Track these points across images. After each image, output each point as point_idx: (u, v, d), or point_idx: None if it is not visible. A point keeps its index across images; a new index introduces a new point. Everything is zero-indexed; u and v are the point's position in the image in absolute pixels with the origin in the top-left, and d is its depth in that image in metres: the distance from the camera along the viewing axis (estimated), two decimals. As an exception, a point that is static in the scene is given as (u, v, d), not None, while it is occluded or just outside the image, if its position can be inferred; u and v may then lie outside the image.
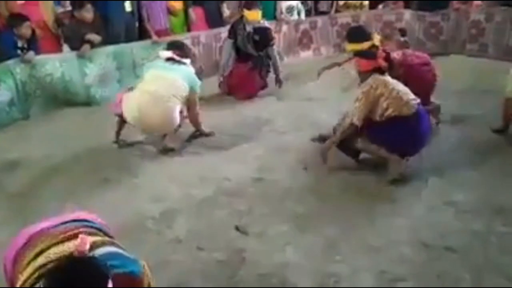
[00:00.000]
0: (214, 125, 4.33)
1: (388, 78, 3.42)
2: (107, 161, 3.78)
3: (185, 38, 5.75)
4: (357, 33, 4.29)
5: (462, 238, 2.65)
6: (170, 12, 5.81)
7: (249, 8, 5.17)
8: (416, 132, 3.33)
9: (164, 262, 2.53)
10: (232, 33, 5.28)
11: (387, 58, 3.45)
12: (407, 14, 6.80)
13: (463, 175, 3.35)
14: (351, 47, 4.12)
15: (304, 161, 3.66)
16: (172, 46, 4.09)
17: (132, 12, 5.50)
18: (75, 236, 1.39)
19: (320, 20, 6.86)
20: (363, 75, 3.44)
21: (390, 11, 6.91)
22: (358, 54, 3.60)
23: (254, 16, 5.18)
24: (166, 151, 3.88)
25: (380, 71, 3.42)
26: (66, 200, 3.16)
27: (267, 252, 2.60)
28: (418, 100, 3.40)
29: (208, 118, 4.30)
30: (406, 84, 3.46)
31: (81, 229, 1.44)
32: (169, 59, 3.88)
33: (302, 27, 6.71)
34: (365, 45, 4.01)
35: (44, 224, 1.46)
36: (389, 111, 3.28)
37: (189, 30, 6.02)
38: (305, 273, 2.42)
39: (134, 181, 3.45)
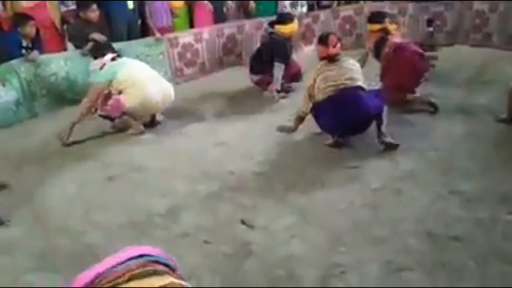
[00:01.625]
0: (220, 121, 4.37)
1: (325, 64, 3.77)
2: (113, 158, 3.82)
3: (188, 35, 5.80)
4: (373, 15, 4.88)
5: (466, 227, 2.66)
6: (172, 12, 5.83)
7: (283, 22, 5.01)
8: (339, 113, 3.56)
9: (172, 256, 2.55)
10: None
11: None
12: (410, 7, 6.77)
13: (467, 164, 3.36)
14: (368, 27, 4.82)
15: (309, 155, 3.68)
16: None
17: (134, 10, 5.52)
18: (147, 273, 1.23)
19: (322, 14, 6.85)
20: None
21: (393, 4, 6.88)
22: (319, 41, 3.95)
23: (291, 28, 5.04)
24: (156, 124, 4.48)
25: (330, 58, 3.76)
26: (72, 198, 3.21)
27: (272, 245, 2.62)
28: (346, 83, 3.64)
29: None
30: (397, 66, 4.13)
31: (150, 266, 1.29)
32: (113, 59, 4.33)
33: (304, 21, 6.70)
34: (376, 26, 4.63)
35: (111, 262, 1.30)
36: (319, 96, 3.72)
37: (192, 26, 6.04)
38: (311, 265, 2.44)
39: (139, 178, 3.48)
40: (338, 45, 3.87)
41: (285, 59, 5.02)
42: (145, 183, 3.40)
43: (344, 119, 3.59)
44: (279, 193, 3.17)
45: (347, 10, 6.92)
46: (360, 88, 3.69)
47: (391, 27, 4.64)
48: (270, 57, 4.99)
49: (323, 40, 3.89)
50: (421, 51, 4.44)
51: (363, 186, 3.17)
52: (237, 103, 5.01)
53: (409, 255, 2.47)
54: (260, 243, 2.65)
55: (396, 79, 4.26)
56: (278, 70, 4.95)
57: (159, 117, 4.52)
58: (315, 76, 3.78)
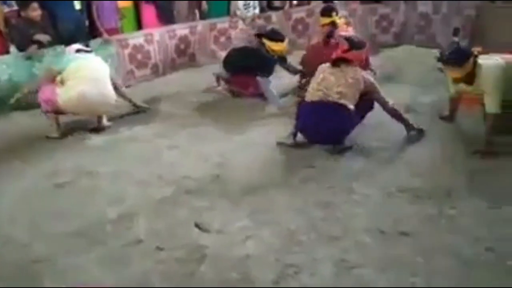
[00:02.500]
0: (174, 124, 4.30)
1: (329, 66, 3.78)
2: (60, 164, 3.68)
3: (138, 36, 5.68)
4: (324, 9, 5.15)
5: (415, 223, 2.75)
6: (120, 13, 5.70)
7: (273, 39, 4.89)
8: (306, 121, 3.71)
9: (124, 263, 2.50)
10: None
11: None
12: (360, 8, 6.95)
13: (416, 162, 3.48)
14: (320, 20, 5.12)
15: (266, 155, 3.70)
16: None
17: (81, 10, 5.36)
18: None
19: (274, 15, 6.90)
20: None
21: (343, 5, 7.02)
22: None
23: (281, 48, 4.94)
24: (103, 129, 4.33)
25: (334, 62, 3.79)
26: (16, 208, 3.06)
27: (227, 247, 2.61)
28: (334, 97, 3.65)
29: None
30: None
31: None
32: (79, 50, 4.33)
33: (257, 23, 6.72)
34: (326, 20, 4.96)
35: None
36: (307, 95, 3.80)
37: (140, 27, 5.92)
38: (266, 266, 2.45)
39: (89, 184, 3.37)
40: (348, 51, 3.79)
41: (269, 76, 4.93)
42: (95, 189, 3.29)
43: (312, 130, 3.74)
44: (235, 195, 3.15)
45: (299, 12, 7.00)
46: (340, 107, 3.62)
47: (340, 21, 4.94)
48: (252, 67, 4.86)
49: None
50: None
51: (317, 186, 3.21)
52: (190, 105, 4.95)
53: (361, 252, 2.53)
54: (215, 246, 2.63)
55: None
56: (266, 85, 4.83)
57: (106, 123, 4.39)
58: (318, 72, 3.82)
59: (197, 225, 2.83)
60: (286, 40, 5.02)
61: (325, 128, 3.63)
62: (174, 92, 5.34)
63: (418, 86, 5.08)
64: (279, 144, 3.84)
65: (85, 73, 4.14)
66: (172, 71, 6.10)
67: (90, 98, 4.08)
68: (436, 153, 3.60)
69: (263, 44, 4.91)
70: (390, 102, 3.83)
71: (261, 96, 4.90)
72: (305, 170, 3.45)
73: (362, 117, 3.87)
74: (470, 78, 3.50)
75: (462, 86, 3.66)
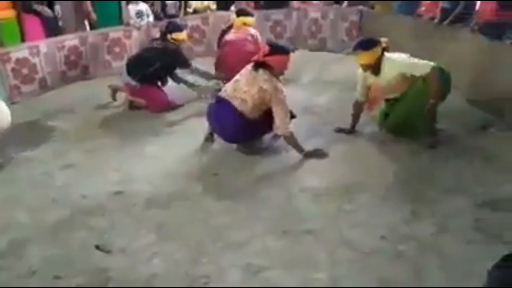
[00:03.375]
0: (67, 142, 4.04)
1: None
2: None
3: (21, 49, 5.27)
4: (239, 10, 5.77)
5: (317, 220, 2.87)
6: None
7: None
8: (209, 115, 3.81)
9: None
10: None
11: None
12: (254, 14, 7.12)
13: (314, 161, 3.63)
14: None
15: (167, 167, 3.62)
16: None
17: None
18: None
19: (170, 23, 6.82)
20: None
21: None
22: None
23: (183, 36, 4.96)
24: None
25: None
26: None
27: (133, 267, 2.50)
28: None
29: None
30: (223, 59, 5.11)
31: None
32: None
33: (153, 31, 6.58)
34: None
35: None
36: None
37: (23, 40, 5.50)
38: (175, 281, 2.39)
39: (-28, 214, 3.04)
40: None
41: (188, 66, 4.91)
42: (-22, 219, 2.98)
43: (214, 127, 3.85)
44: (138, 211, 3.04)
45: (195, 20, 6.99)
46: (236, 112, 3.59)
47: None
48: (168, 63, 4.79)
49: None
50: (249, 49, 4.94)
51: (220, 193, 3.21)
52: (84, 120, 4.70)
53: (267, 254, 2.58)
54: (119, 267, 2.50)
55: (226, 71, 4.78)
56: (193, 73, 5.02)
57: None
58: None
59: (98, 247, 2.67)
60: (186, 30, 5.16)
61: (220, 127, 3.74)
62: (66, 107, 5.03)
63: (312, 88, 5.32)
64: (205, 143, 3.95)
65: None
66: (63, 85, 5.75)
67: None
68: (332, 152, 3.78)
69: (167, 40, 4.84)
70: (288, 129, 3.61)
71: (167, 109, 4.83)
72: (208, 178, 3.43)
73: (264, 133, 3.82)
74: (377, 67, 3.74)
75: (371, 79, 3.85)
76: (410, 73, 3.64)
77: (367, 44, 3.73)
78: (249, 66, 3.67)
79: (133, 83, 4.73)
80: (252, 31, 5.40)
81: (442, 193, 3.09)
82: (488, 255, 2.46)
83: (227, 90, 3.72)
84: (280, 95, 3.52)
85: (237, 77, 3.73)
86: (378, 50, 3.72)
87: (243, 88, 3.59)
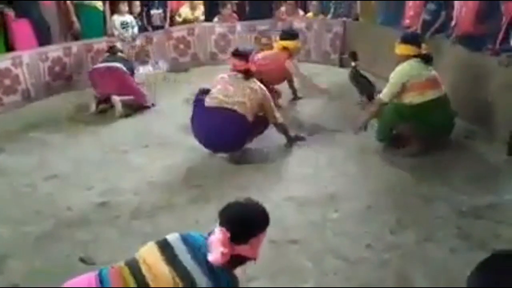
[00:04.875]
0: (50, 152, 3.99)
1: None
2: None
3: (4, 60, 5.22)
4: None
5: (302, 229, 2.88)
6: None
7: None
8: (201, 126, 3.76)
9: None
10: None
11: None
12: (239, 26, 7.18)
13: (298, 171, 3.65)
14: None
15: (152, 178, 3.60)
16: None
17: None
18: None
19: (155, 35, 6.82)
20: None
21: (222, 23, 7.20)
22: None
23: None
24: None
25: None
26: None
27: (117, 279, 2.47)
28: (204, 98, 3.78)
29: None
30: None
31: None
32: None
33: (138, 43, 6.58)
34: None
35: None
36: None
37: (9, 49, 5.43)
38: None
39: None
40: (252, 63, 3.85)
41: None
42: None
43: (205, 137, 3.76)
44: (124, 222, 3.02)
45: (180, 31, 7.01)
46: (237, 116, 3.64)
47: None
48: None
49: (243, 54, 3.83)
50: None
51: (205, 203, 3.20)
52: (68, 130, 4.66)
53: (254, 264, 2.56)
54: (104, 280, 2.47)
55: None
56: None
57: None
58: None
59: (82, 260, 2.64)
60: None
61: (216, 135, 3.65)
62: (50, 118, 4.99)
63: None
64: None
65: None
66: (47, 96, 5.70)
67: None
68: (317, 162, 3.80)
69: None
70: (280, 119, 3.95)
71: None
72: (192, 189, 3.42)
73: (260, 132, 3.95)
74: None
75: None
76: None
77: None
78: (232, 74, 3.82)
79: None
80: (290, 65, 4.93)
81: (425, 202, 3.14)
82: (472, 263, 2.50)
83: (218, 97, 3.69)
84: (266, 93, 3.85)
85: (219, 86, 3.75)
86: None
87: (237, 93, 3.67)
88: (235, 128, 3.64)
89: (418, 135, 3.75)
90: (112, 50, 5.45)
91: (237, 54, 3.87)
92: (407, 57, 3.77)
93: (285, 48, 4.94)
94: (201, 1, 7.40)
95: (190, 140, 3.97)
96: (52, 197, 3.35)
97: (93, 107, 5.09)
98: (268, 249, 2.68)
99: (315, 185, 3.42)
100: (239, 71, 3.79)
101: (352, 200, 3.19)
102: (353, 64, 5.07)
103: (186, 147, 4.03)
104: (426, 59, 3.79)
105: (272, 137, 4.18)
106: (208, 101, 3.73)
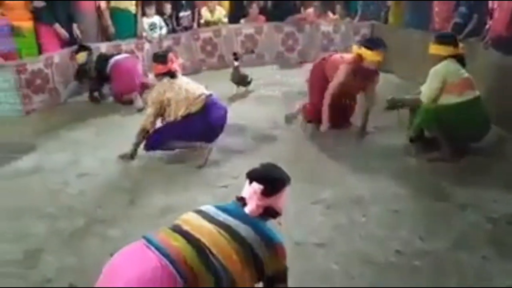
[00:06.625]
0: (82, 150, 4.09)
1: (176, 80, 3.90)
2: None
3: (38, 61, 5.37)
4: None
5: (328, 233, 2.86)
6: (16, 33, 5.34)
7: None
8: (206, 123, 3.83)
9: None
10: None
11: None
12: (266, 26, 7.19)
13: (325, 175, 3.63)
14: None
15: (180, 176, 3.64)
16: None
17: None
18: None
19: (183, 35, 6.90)
20: (157, 78, 4.01)
21: (249, 24, 7.22)
22: (154, 59, 4.08)
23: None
24: None
25: (171, 74, 3.91)
26: None
27: (147, 277, 2.51)
28: (207, 93, 3.93)
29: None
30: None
31: None
32: None
33: (165, 43, 6.67)
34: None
35: None
36: (181, 111, 3.80)
37: (40, 51, 5.59)
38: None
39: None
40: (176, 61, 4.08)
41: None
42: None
43: (210, 128, 3.89)
44: (152, 219, 3.06)
45: (206, 32, 7.06)
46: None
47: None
48: None
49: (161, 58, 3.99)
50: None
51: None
52: (97, 129, 4.76)
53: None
54: (134, 277, 2.51)
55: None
56: None
57: None
58: (169, 94, 3.83)
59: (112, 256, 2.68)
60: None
61: (222, 124, 4.03)
62: (80, 117, 5.10)
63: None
64: None
65: None
66: (76, 94, 5.82)
67: None
68: (343, 164, 3.78)
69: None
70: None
71: None
72: (220, 189, 3.46)
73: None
74: None
75: None
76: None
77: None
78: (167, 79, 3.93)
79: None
80: (341, 68, 4.04)
81: (456, 208, 3.08)
82: (504, 270, 2.46)
83: (194, 100, 3.85)
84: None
85: (175, 91, 3.85)
86: None
87: (191, 88, 3.93)
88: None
89: (451, 138, 3.67)
90: None
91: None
92: (442, 58, 3.69)
93: (359, 56, 4.01)
94: (225, 1, 7.41)
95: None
96: (83, 194, 3.44)
97: (139, 103, 5.28)
98: (295, 251, 2.69)
99: (342, 188, 3.39)
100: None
101: (380, 204, 3.16)
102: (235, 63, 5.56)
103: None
104: (461, 60, 3.72)
105: (299, 140, 4.18)
106: (209, 97, 3.96)
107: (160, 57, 4.00)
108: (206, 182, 3.58)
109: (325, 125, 4.14)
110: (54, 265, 2.64)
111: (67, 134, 4.66)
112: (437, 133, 3.72)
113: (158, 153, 3.99)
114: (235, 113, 4.63)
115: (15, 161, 4.03)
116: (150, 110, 3.86)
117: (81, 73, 5.54)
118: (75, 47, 5.68)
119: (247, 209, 1.89)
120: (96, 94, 5.68)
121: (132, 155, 3.93)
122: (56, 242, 2.86)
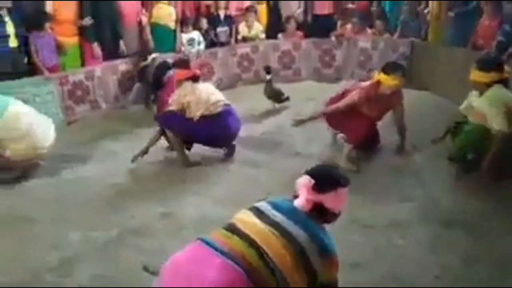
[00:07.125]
0: (116, 161, 4.17)
1: (198, 85, 4.09)
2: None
3: (80, 73, 5.55)
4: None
5: (365, 253, 2.78)
6: (60, 49, 5.56)
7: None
8: (219, 127, 3.99)
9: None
10: None
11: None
12: (303, 42, 7.19)
13: (362, 194, 3.52)
14: None
15: (216, 191, 3.64)
16: None
17: (19, 47, 5.14)
18: None
19: (220, 51, 6.98)
20: (178, 83, 4.16)
21: (287, 40, 7.23)
22: (175, 64, 4.32)
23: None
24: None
25: (194, 79, 4.10)
26: None
27: (178, 291, 2.50)
28: (226, 102, 4.14)
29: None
30: None
31: None
32: None
33: (202, 58, 6.76)
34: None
35: None
36: (200, 112, 3.97)
37: (83, 64, 5.79)
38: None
39: (26, 231, 3.15)
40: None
41: None
42: (33, 235, 3.09)
43: (226, 132, 4.08)
44: (187, 234, 3.04)
45: (244, 47, 7.12)
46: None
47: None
48: None
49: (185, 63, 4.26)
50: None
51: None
52: (132, 141, 4.76)
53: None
54: (165, 290, 2.50)
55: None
56: None
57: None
58: (190, 97, 4.01)
59: (145, 268, 2.69)
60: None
61: (236, 131, 4.24)
62: (117, 129, 5.20)
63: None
64: None
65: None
66: (115, 107, 5.96)
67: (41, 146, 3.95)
68: (380, 185, 3.68)
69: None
70: None
71: None
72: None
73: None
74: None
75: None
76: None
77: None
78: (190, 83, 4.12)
79: None
80: (355, 92, 4.01)
81: (500, 234, 2.93)
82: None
83: (215, 103, 4.04)
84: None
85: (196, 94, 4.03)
86: None
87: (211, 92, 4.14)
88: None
89: (495, 163, 3.45)
90: None
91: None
92: (487, 85, 3.43)
93: (377, 81, 3.93)
94: (263, 17, 7.46)
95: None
96: (117, 205, 3.48)
97: None
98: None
99: (380, 208, 3.30)
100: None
101: (420, 226, 3.05)
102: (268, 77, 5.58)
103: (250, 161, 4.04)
104: (506, 84, 3.48)
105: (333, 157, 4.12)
106: (225, 104, 4.13)
107: (183, 63, 4.15)
108: (240, 197, 3.55)
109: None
110: (87, 274, 2.67)
111: (105, 144, 4.75)
112: (484, 156, 3.45)
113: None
114: (266, 127, 4.63)
115: (56, 171, 4.13)
116: (169, 109, 4.06)
117: (142, 74, 5.75)
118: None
119: (296, 202, 1.87)
120: (152, 97, 5.79)
121: (145, 152, 4.10)
122: (90, 252, 2.89)
